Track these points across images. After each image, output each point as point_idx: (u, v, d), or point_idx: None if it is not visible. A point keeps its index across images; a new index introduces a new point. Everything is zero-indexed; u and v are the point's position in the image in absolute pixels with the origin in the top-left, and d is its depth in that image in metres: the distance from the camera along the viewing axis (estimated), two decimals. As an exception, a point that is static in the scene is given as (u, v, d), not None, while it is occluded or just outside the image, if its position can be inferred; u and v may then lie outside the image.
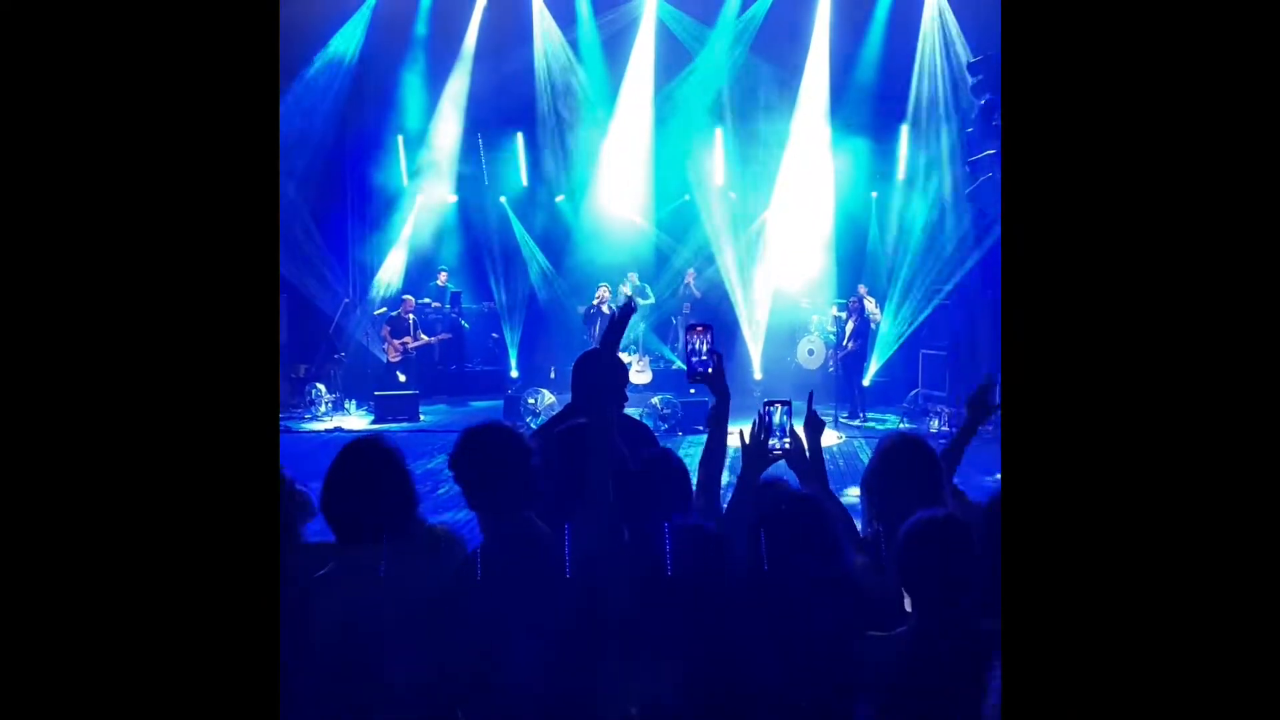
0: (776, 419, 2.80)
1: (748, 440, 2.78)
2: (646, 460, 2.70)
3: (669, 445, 3.17)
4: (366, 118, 13.70)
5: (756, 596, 2.40)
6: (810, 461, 2.87)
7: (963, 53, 12.36)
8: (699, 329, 2.91)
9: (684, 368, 11.96)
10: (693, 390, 12.10)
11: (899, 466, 2.71)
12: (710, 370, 2.90)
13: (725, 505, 2.81)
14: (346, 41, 13.20)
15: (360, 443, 2.59)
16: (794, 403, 2.89)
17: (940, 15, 12.91)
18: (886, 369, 12.93)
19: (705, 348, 2.89)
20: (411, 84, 13.81)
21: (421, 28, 13.46)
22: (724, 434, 2.92)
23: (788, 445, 2.81)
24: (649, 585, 2.33)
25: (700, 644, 2.27)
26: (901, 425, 11.40)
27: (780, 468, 2.83)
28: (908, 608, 2.32)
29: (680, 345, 13.44)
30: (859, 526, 2.86)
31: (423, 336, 13.30)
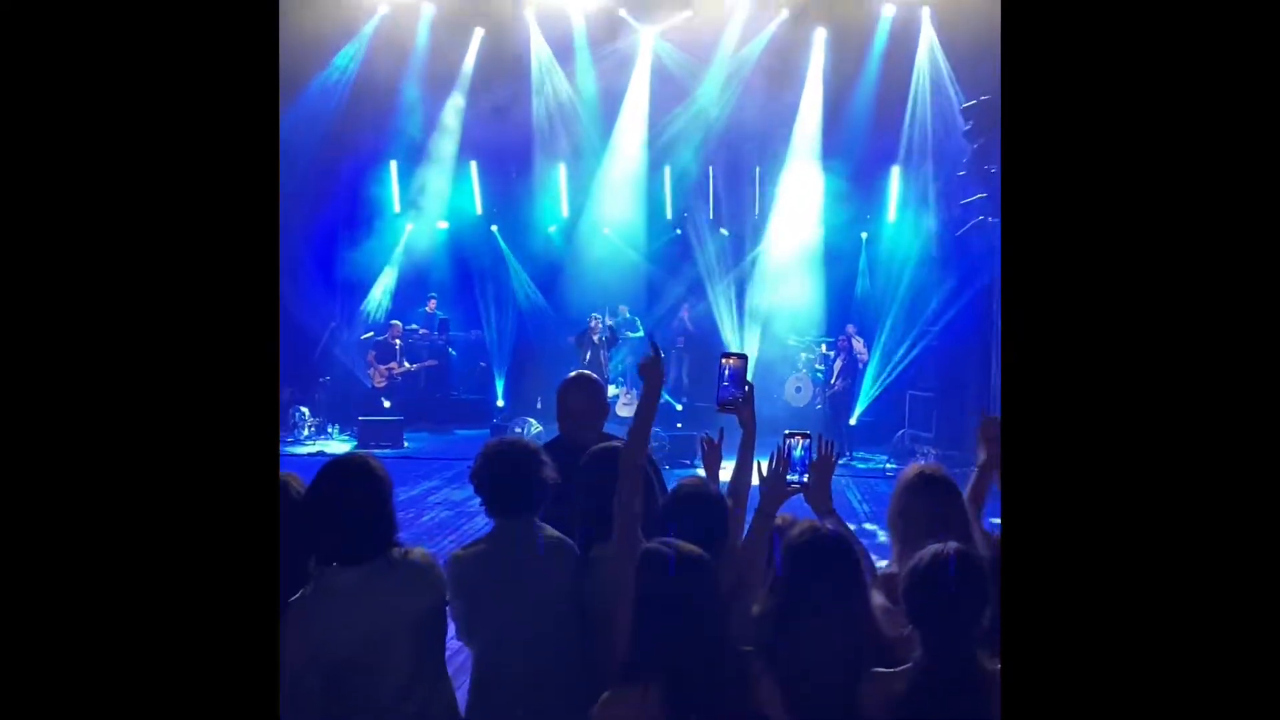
0: (797, 452, 2.71)
1: (765, 473, 2.69)
2: (686, 493, 2.67)
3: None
4: (361, 141, 13.68)
5: (770, 629, 2.32)
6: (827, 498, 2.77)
7: (955, 96, 12.48)
8: (733, 357, 2.88)
9: (671, 401, 11.87)
10: (679, 425, 12.09)
11: (923, 503, 2.67)
12: (740, 399, 2.84)
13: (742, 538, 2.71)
14: (344, 65, 13.21)
15: (344, 460, 2.54)
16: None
17: (933, 57, 13.05)
18: (873, 409, 12.91)
19: (738, 376, 2.84)
20: (407, 109, 13.82)
21: (419, 54, 13.49)
22: (750, 467, 2.85)
23: (806, 480, 2.72)
24: (654, 608, 2.20)
25: (702, 671, 2.16)
26: (888, 467, 11.35)
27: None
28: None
29: (704, 376, 13.41)
30: (883, 564, 2.82)
31: (406, 364, 13.22)
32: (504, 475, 2.71)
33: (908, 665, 2.22)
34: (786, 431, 2.76)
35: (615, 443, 2.91)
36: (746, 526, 2.74)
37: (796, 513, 2.74)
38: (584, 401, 3.49)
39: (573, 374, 3.70)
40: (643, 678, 2.15)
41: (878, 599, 2.45)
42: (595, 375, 3.82)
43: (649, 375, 2.75)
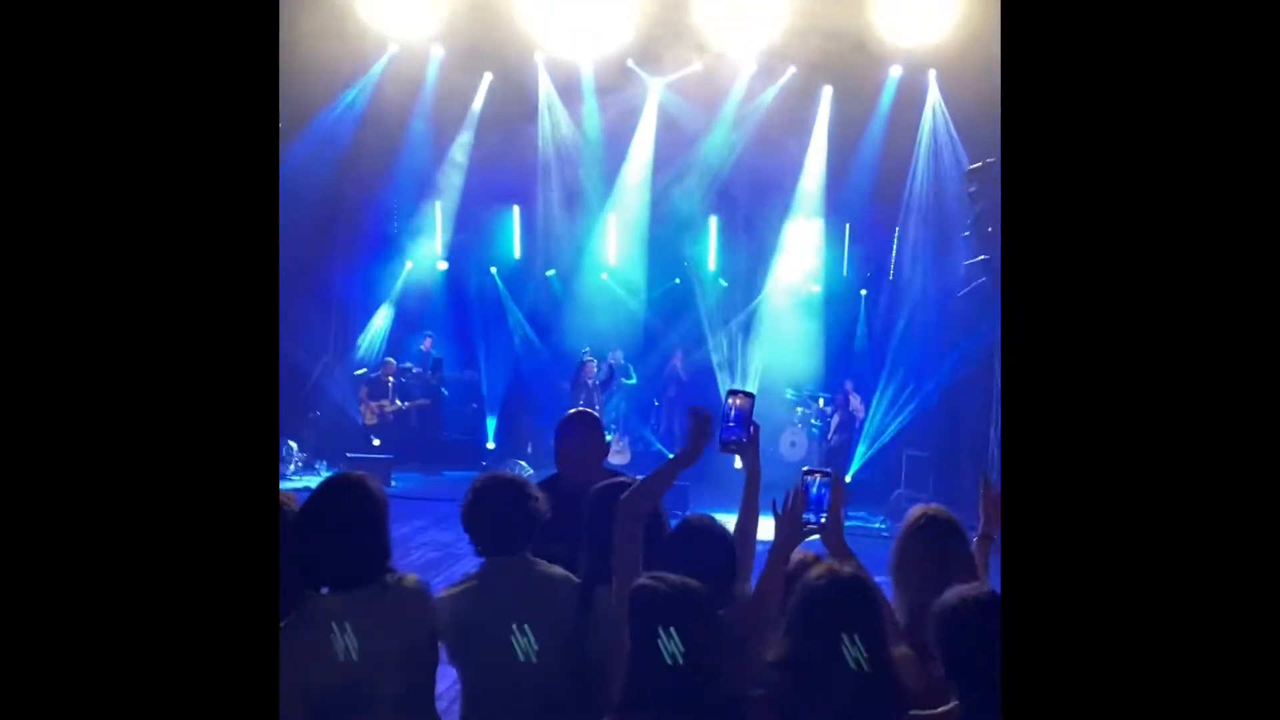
0: (814, 491, 2.58)
1: (781, 511, 2.56)
2: (690, 528, 2.55)
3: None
4: (364, 177, 13.69)
5: (782, 675, 2.18)
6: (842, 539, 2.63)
7: (959, 157, 12.54)
8: (740, 395, 2.75)
9: (663, 450, 11.75)
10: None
11: (928, 544, 2.57)
12: (745, 440, 2.72)
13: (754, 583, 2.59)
14: (351, 103, 13.27)
15: (339, 480, 2.44)
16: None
17: (938, 119, 13.15)
18: (869, 468, 12.78)
19: (744, 417, 2.71)
20: (413, 148, 13.86)
21: (427, 94, 13.57)
22: (754, 518, 2.73)
23: (824, 520, 2.59)
24: (647, 645, 2.09)
25: (699, 714, 2.05)
26: (881, 528, 11.19)
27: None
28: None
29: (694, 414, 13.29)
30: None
31: (398, 402, 13.09)
32: (494, 509, 2.63)
33: (949, 707, 2.13)
34: (805, 469, 2.64)
35: (623, 478, 2.83)
36: (755, 574, 2.62)
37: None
38: (583, 439, 3.41)
39: (571, 411, 3.64)
40: (637, 717, 2.04)
41: (899, 647, 2.30)
42: (594, 413, 3.73)
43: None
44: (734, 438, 2.72)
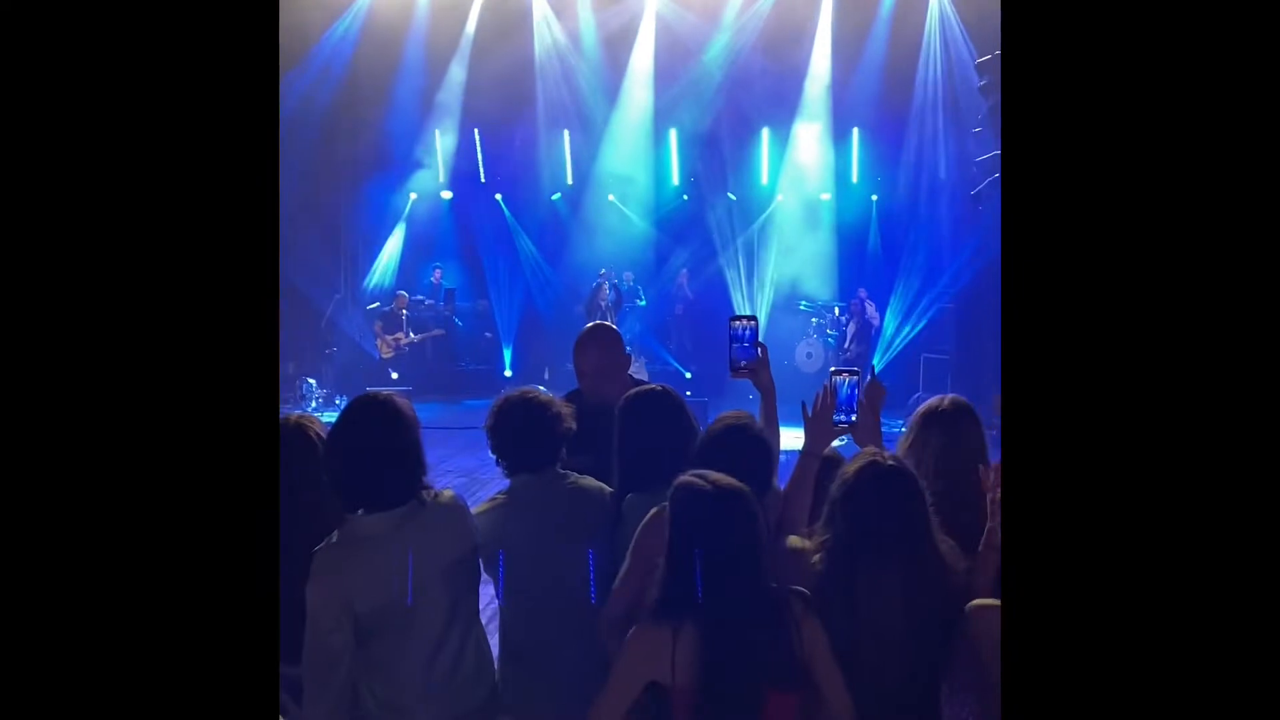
0: (844, 390, 2.58)
1: (811, 413, 2.55)
2: (725, 428, 2.53)
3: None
4: (361, 111, 13.47)
5: (821, 567, 2.17)
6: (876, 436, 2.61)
7: (967, 52, 12.20)
8: (743, 319, 2.78)
9: (679, 369, 11.78)
10: (688, 393, 11.96)
11: (943, 432, 2.56)
12: (755, 363, 2.75)
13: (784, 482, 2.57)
14: (343, 32, 12.98)
15: (369, 398, 2.41)
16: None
17: (944, 13, 12.76)
18: (887, 373, 12.77)
19: (751, 338, 2.74)
20: (408, 77, 13.60)
21: (419, 19, 13.25)
22: (776, 432, 2.72)
23: (854, 419, 2.58)
24: (688, 543, 2.08)
25: (738, 611, 2.05)
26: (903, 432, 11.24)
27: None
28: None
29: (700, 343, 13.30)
30: None
31: (412, 335, 13.12)
32: (519, 425, 2.61)
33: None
34: (833, 369, 2.64)
35: (653, 386, 2.82)
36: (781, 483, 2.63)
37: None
38: (601, 352, 3.35)
39: (589, 325, 3.57)
40: (675, 616, 2.04)
41: (941, 537, 2.25)
42: (612, 326, 3.68)
43: (760, 380, 2.73)
44: (746, 359, 2.74)
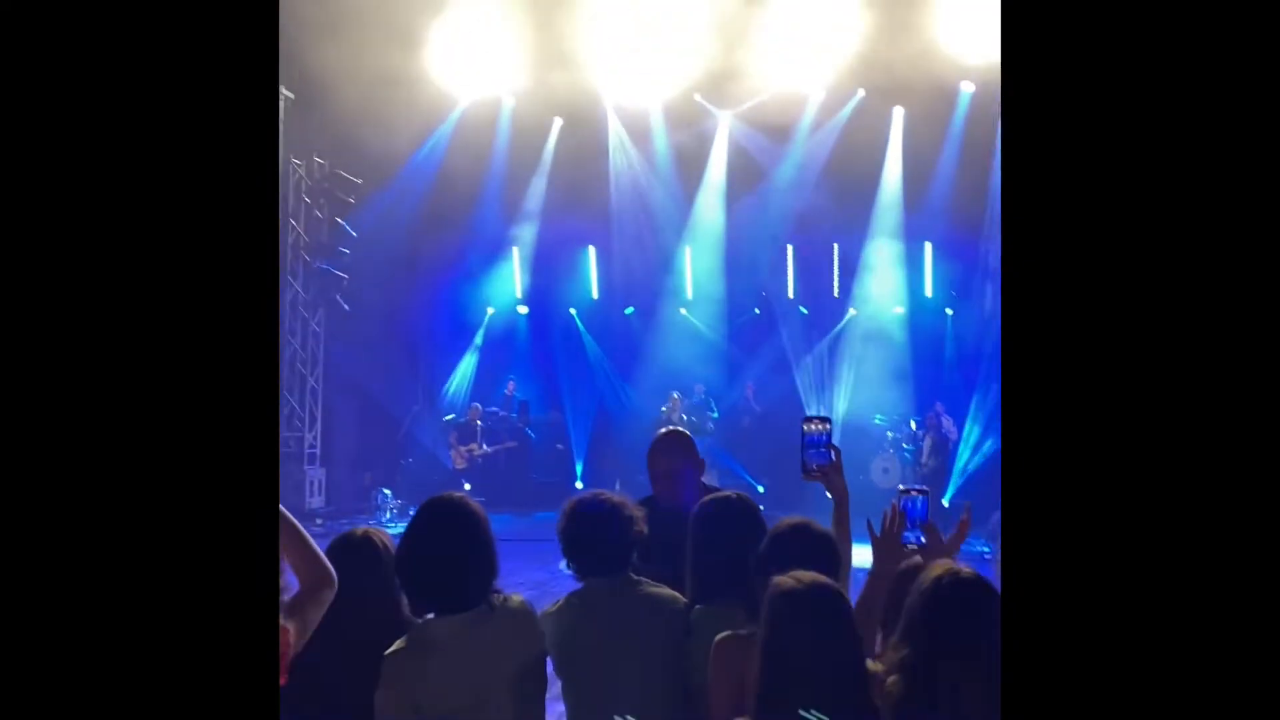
0: (915, 510, 2.48)
1: (879, 533, 2.48)
2: (789, 528, 2.49)
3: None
4: (443, 228, 14.03)
5: (900, 684, 2.06)
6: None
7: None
8: (816, 421, 2.73)
9: (752, 483, 11.56)
10: (762, 507, 11.72)
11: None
12: (829, 466, 2.68)
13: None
14: (428, 155, 13.64)
15: (443, 499, 2.42)
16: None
17: (1016, 133, 12.86)
18: (966, 489, 12.39)
19: (824, 441, 2.68)
20: (488, 197, 14.16)
21: (501, 142, 13.87)
22: (847, 539, 2.64)
23: (924, 541, 2.48)
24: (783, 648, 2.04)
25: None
26: (985, 550, 10.82)
27: None
28: None
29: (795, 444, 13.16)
30: None
31: (485, 446, 13.26)
32: (593, 528, 2.57)
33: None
34: (901, 487, 2.57)
35: (728, 493, 2.77)
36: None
37: None
38: (677, 457, 3.34)
39: (663, 431, 3.58)
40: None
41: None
42: (686, 431, 3.65)
43: (833, 485, 2.67)
44: (819, 463, 2.68)
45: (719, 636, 2.34)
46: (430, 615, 2.32)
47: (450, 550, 2.31)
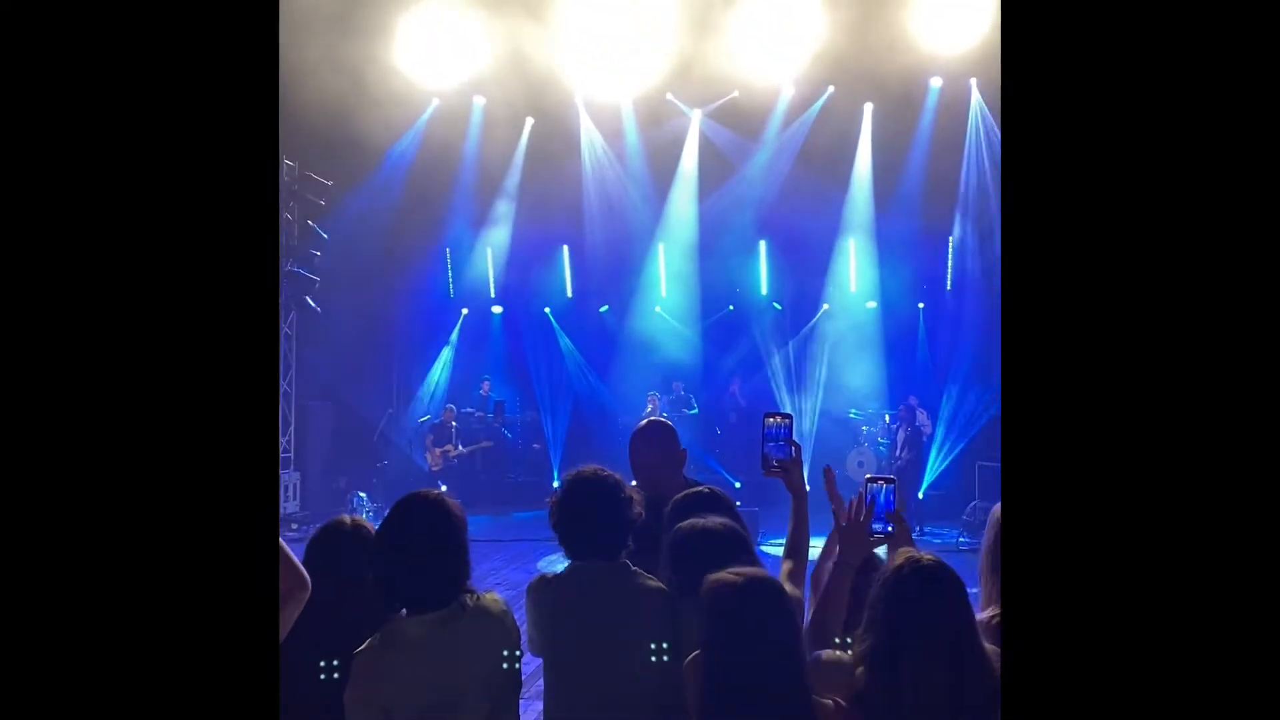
0: (881, 499, 2.46)
1: (844, 521, 2.45)
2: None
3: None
4: (415, 229, 13.96)
5: (863, 675, 2.08)
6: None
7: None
8: (777, 416, 2.71)
9: (729, 480, 11.59)
10: (738, 503, 11.75)
11: None
12: (788, 461, 2.67)
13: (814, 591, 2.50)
14: (397, 156, 13.56)
15: (418, 496, 2.37)
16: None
17: (984, 127, 12.99)
18: (941, 481, 12.51)
19: (784, 435, 2.67)
20: (460, 197, 14.11)
21: (473, 143, 13.81)
22: (805, 536, 2.65)
23: (891, 530, 2.46)
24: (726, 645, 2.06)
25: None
26: (960, 542, 10.94)
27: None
28: None
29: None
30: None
31: (461, 447, 13.21)
32: (592, 504, 2.48)
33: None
34: (868, 476, 2.53)
35: (703, 488, 2.77)
36: (806, 607, 2.54)
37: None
38: (660, 446, 3.31)
39: (644, 422, 3.52)
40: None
41: (989, 642, 2.14)
42: (667, 421, 3.60)
43: (792, 480, 2.65)
44: (779, 457, 2.68)
45: (693, 656, 2.35)
46: (403, 612, 2.29)
47: (422, 547, 2.26)
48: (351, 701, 2.18)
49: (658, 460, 3.28)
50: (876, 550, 2.53)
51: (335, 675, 2.32)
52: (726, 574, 2.10)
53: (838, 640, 2.31)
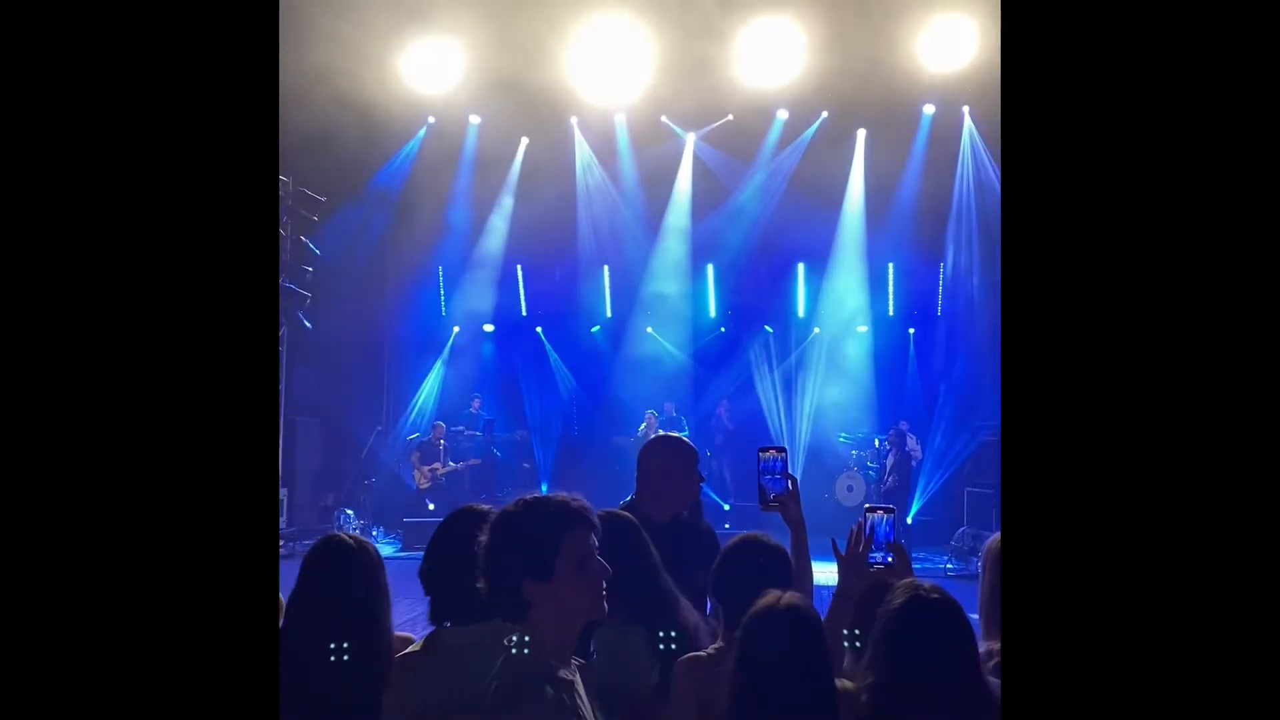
0: (882, 529, 2.45)
1: (844, 551, 2.44)
2: (741, 542, 2.47)
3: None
4: (407, 246, 13.96)
5: (866, 710, 2.06)
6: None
7: (997, 187, 12.41)
8: (772, 450, 2.69)
9: (719, 502, 11.55)
10: (727, 525, 11.78)
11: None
12: (785, 495, 2.65)
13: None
14: (392, 173, 13.58)
15: (471, 510, 2.40)
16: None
17: (976, 153, 13.08)
18: (930, 507, 12.50)
19: (780, 469, 2.66)
20: (454, 215, 14.12)
21: (467, 162, 13.85)
22: (808, 569, 2.62)
23: (890, 560, 2.44)
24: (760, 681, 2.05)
25: None
26: (948, 569, 10.91)
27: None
28: None
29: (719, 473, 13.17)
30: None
31: (450, 464, 13.14)
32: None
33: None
34: (868, 506, 2.53)
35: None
36: None
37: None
38: (683, 460, 3.17)
39: (665, 434, 3.45)
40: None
41: (989, 674, 2.14)
42: (689, 442, 3.43)
43: (790, 514, 2.63)
44: (776, 490, 2.66)
45: (682, 658, 2.32)
46: (448, 624, 2.31)
47: (471, 561, 2.23)
48: (390, 703, 2.20)
49: (680, 470, 3.15)
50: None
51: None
52: (769, 598, 2.09)
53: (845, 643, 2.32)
